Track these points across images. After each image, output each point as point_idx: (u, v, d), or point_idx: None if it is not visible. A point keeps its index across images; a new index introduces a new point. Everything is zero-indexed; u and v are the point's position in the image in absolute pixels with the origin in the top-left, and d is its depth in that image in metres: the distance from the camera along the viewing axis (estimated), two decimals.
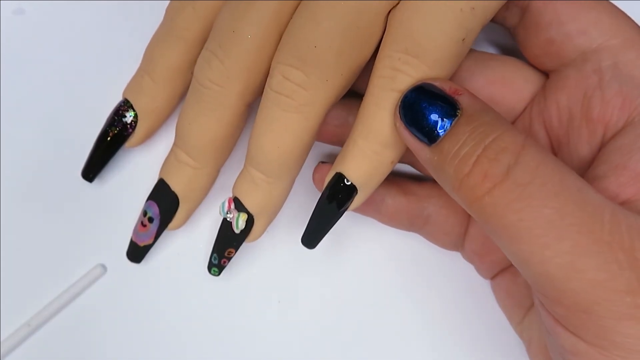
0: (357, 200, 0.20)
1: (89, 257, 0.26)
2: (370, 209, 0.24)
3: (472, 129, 0.17)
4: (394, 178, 0.24)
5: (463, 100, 0.18)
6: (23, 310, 0.25)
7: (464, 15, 0.18)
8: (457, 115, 0.17)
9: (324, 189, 0.20)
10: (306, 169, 0.24)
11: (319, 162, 0.23)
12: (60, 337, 0.25)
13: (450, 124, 0.17)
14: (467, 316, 0.25)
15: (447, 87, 0.18)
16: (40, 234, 0.26)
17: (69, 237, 0.26)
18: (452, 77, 0.21)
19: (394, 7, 0.19)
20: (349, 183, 0.20)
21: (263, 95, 0.20)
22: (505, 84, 0.22)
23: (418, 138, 0.18)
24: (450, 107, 0.18)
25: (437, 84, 0.18)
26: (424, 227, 0.24)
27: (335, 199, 0.20)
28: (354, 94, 0.22)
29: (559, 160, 0.17)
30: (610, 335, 0.15)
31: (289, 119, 0.19)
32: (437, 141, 0.18)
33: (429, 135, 0.18)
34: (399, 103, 0.18)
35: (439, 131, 0.18)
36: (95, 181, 0.25)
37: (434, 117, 0.18)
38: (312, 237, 0.21)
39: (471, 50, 0.22)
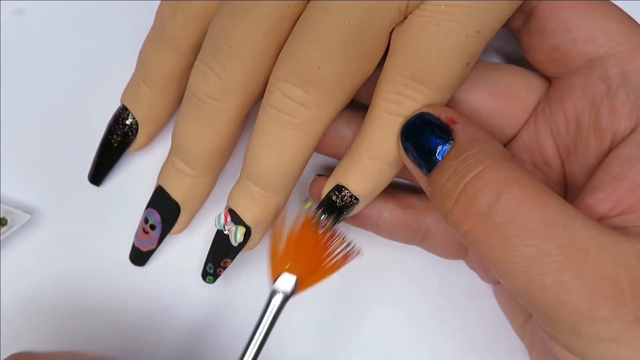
0: (356, 209, 0.21)
1: (88, 257, 0.26)
2: (369, 223, 0.24)
3: (458, 163, 0.17)
4: (392, 191, 0.24)
5: (457, 129, 0.18)
6: (24, 311, 0.26)
7: (469, 40, 0.18)
8: (450, 146, 0.18)
9: (322, 197, 0.21)
10: (307, 173, 0.25)
11: (316, 175, 0.23)
12: (59, 337, 0.25)
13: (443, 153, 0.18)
14: (470, 319, 0.25)
15: (443, 116, 0.18)
16: (40, 236, 0.26)
17: (68, 236, 0.26)
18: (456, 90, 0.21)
19: (397, 25, 0.19)
20: (351, 197, 0.20)
21: (260, 110, 0.20)
22: (509, 96, 0.22)
23: (418, 167, 0.18)
24: (446, 136, 0.18)
25: (434, 112, 0.18)
26: (424, 241, 0.24)
27: (337, 210, 0.20)
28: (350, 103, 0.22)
29: (545, 193, 0.17)
30: (600, 352, 0.16)
31: (289, 137, 0.19)
32: (431, 172, 0.18)
33: (427, 164, 0.18)
34: (400, 132, 0.19)
35: (437, 158, 0.18)
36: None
37: (430, 146, 0.18)
38: None
39: None
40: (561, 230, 0.16)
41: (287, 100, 0.19)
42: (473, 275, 0.25)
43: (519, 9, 0.21)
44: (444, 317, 0.26)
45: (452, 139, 0.18)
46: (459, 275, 0.26)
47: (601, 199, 0.18)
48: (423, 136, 0.18)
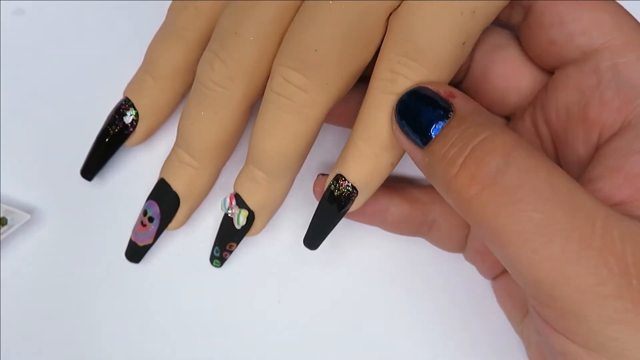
0: (358, 202, 0.20)
1: (88, 256, 0.26)
2: (376, 219, 0.24)
3: (462, 130, 0.17)
4: (397, 186, 0.24)
5: (456, 103, 0.18)
6: (24, 310, 0.25)
7: (464, 19, 0.18)
8: (450, 118, 0.18)
9: (324, 190, 0.21)
10: (308, 169, 0.25)
11: (319, 175, 0.23)
12: (59, 337, 0.25)
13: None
14: (469, 316, 0.25)
15: (441, 90, 0.18)
16: (40, 236, 0.26)
17: (68, 236, 0.26)
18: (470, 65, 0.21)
19: (395, 9, 0.19)
20: (349, 186, 0.20)
21: (264, 96, 0.20)
22: (513, 77, 0.22)
23: (412, 141, 0.18)
24: (443, 110, 0.18)
25: (432, 87, 0.18)
26: (429, 233, 0.24)
27: (337, 200, 0.20)
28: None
29: (551, 163, 0.16)
30: (599, 338, 0.15)
31: (289, 121, 0.20)
32: (429, 143, 0.18)
33: (423, 138, 0.18)
34: (395, 107, 0.18)
35: (432, 133, 0.18)
36: (95, 180, 0.25)
37: (427, 119, 0.18)
38: (314, 238, 0.22)
39: (491, 33, 0.22)
40: (569, 198, 0.16)
41: (287, 85, 0.19)
42: (472, 272, 0.25)
43: (519, 5, 0.21)
44: (444, 312, 0.25)
45: (452, 111, 0.18)
46: (460, 271, 0.25)
47: (597, 190, 0.18)
48: (420, 110, 0.18)
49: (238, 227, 0.22)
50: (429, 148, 0.18)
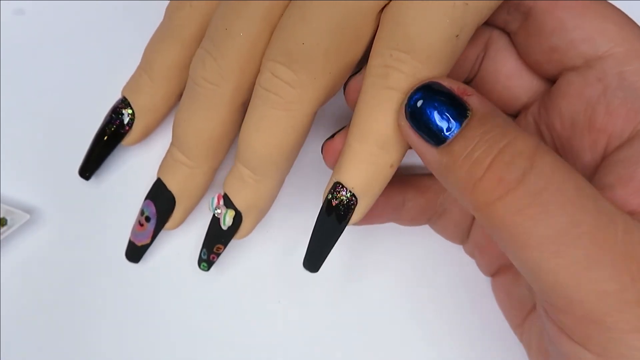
0: (359, 211, 0.19)
1: (87, 256, 0.26)
2: (393, 217, 0.23)
3: (485, 132, 0.16)
4: (408, 178, 0.24)
5: (473, 102, 0.17)
6: (24, 310, 0.25)
7: (456, 10, 0.17)
8: (467, 117, 0.17)
9: (322, 201, 0.19)
10: (304, 168, 0.24)
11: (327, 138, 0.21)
12: (59, 336, 0.25)
13: (460, 125, 0.17)
14: (469, 316, 0.25)
15: (455, 87, 0.17)
16: (40, 236, 0.26)
17: (67, 236, 0.26)
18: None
19: (386, 5, 0.19)
20: (348, 193, 0.19)
21: (253, 92, 0.20)
22: (524, 76, 0.21)
23: (424, 139, 0.17)
24: (459, 108, 0.17)
25: (445, 83, 0.17)
26: (438, 221, 0.24)
27: (335, 210, 0.19)
28: None
29: (572, 167, 0.16)
30: (618, 347, 0.15)
31: (276, 117, 0.19)
32: (447, 142, 0.17)
33: (437, 137, 0.17)
34: (405, 102, 0.17)
35: (447, 133, 0.17)
36: (94, 180, 0.25)
37: (442, 118, 0.17)
38: (314, 259, 0.21)
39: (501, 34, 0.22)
40: (592, 201, 0.16)
41: (275, 80, 0.19)
42: (472, 273, 0.25)
43: (516, 11, 0.20)
44: (444, 312, 0.25)
45: (469, 110, 0.17)
46: (461, 271, 0.25)
47: (608, 200, 0.17)
48: (435, 106, 0.17)
49: (224, 227, 0.22)
50: (447, 147, 0.17)
